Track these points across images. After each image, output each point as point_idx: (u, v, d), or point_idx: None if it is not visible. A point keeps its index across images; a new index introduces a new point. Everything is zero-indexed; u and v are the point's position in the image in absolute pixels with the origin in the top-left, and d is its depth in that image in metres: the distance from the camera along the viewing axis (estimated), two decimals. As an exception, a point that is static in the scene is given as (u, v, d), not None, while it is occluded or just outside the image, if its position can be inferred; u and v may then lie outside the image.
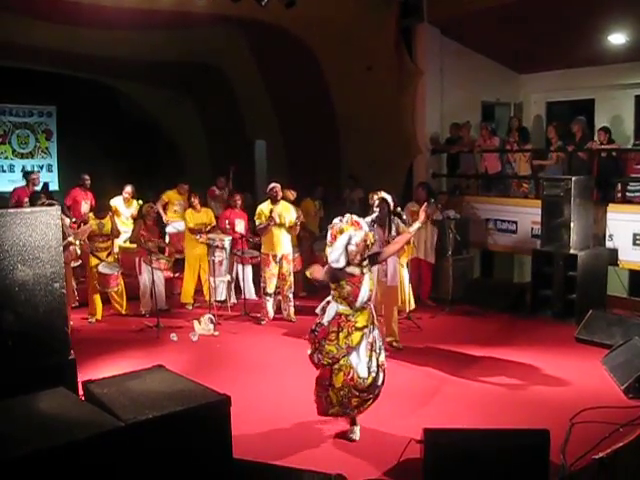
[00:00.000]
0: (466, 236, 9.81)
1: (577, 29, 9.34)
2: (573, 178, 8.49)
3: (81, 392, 4.52)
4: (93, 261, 8.74)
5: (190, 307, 9.45)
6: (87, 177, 10.48)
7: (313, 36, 10.81)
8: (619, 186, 9.40)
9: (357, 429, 5.18)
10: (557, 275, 8.53)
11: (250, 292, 9.49)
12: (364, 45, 10.61)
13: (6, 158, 15.30)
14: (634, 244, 8.56)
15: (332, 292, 5.09)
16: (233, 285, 9.63)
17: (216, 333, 8.09)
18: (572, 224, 8.45)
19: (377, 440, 5.07)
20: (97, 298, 8.85)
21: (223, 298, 9.37)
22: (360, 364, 4.98)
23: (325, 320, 5.05)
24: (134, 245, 9.13)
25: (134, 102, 15.92)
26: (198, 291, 9.64)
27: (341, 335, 4.98)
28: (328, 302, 5.14)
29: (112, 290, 8.83)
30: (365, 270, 5.04)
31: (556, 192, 8.65)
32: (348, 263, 4.99)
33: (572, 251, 8.44)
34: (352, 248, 4.95)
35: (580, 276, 8.33)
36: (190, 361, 7.03)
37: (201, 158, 15.42)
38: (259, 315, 8.78)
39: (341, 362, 4.98)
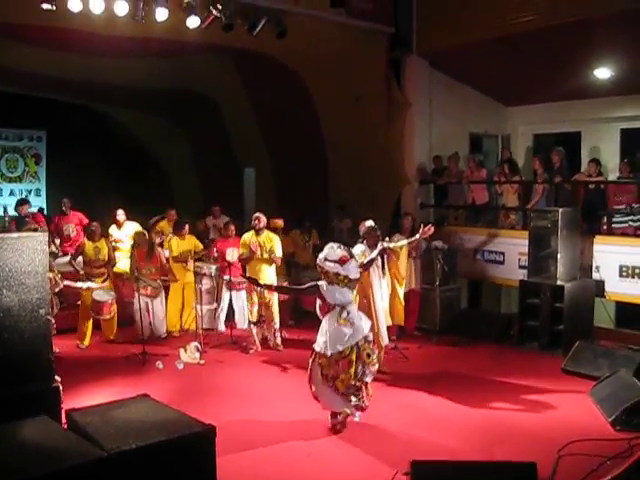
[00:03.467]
0: (453, 267, 9.82)
1: (564, 63, 9.50)
2: (560, 210, 8.56)
3: (64, 420, 4.47)
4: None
5: (176, 334, 9.37)
6: (66, 201, 10.46)
7: (303, 66, 10.91)
8: (605, 218, 9.50)
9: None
10: (544, 306, 8.54)
11: (240, 320, 9.40)
12: (354, 76, 10.71)
13: (-6, 182, 15.27)
14: (620, 276, 8.61)
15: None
16: (223, 313, 9.54)
17: (202, 362, 8.03)
18: (559, 255, 8.49)
19: (363, 472, 5.02)
20: (88, 324, 8.78)
21: (210, 326, 9.31)
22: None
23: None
24: (127, 270, 9.08)
25: (125, 129, 15.95)
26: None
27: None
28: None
29: (104, 317, 8.74)
30: None
31: (543, 224, 8.70)
32: None
33: (559, 282, 8.48)
34: None
35: (567, 307, 8.34)
36: (175, 390, 6.95)
37: (191, 185, 15.44)
38: (246, 344, 8.73)
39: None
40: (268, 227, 8.92)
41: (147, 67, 10.92)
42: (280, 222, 9.81)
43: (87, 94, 13.31)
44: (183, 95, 12.96)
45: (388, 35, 10.35)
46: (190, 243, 9.51)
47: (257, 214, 8.73)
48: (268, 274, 8.60)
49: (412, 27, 10.48)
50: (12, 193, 15.28)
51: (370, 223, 7.73)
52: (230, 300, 9.36)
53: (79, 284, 8.17)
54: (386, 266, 7.56)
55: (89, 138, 14.81)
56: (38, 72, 10.84)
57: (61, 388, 5.14)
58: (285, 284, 9.41)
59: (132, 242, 9.28)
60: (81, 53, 9.79)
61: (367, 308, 7.17)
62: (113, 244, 9.63)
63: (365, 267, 7.02)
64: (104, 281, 8.87)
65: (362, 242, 7.44)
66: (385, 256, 7.49)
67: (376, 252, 7.11)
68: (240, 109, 12.99)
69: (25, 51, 9.61)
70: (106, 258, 8.94)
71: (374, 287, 7.28)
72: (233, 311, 9.39)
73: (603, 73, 9.63)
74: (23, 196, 14.58)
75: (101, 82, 11.63)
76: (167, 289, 9.53)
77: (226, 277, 9.12)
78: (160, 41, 9.20)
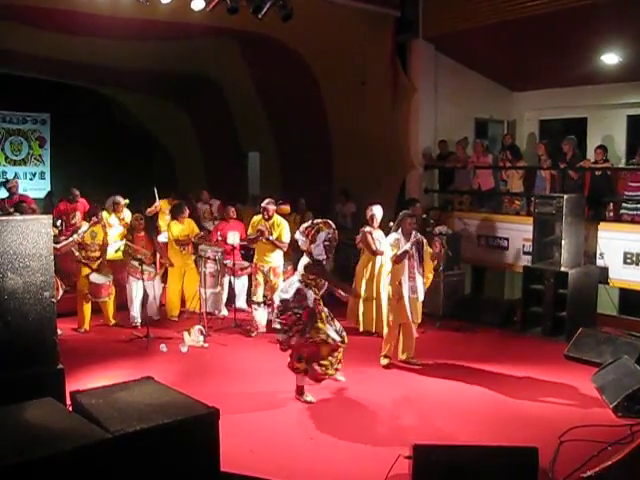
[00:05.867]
0: (457, 252, 9.81)
1: (571, 48, 9.43)
2: (565, 196, 8.53)
3: (69, 402, 4.50)
4: (84, 270, 8.71)
5: (176, 319, 9.38)
6: (77, 192, 10.45)
7: (309, 50, 10.86)
8: (610, 205, 9.46)
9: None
10: (547, 292, 8.54)
11: (242, 303, 9.49)
12: (359, 60, 10.68)
13: (-1, 165, 15.29)
14: (624, 263, 8.60)
15: (308, 280, 6.10)
16: (225, 297, 9.57)
17: (206, 345, 8.06)
18: (563, 242, 8.48)
19: (365, 455, 5.05)
20: (87, 308, 8.80)
21: (214, 310, 9.34)
22: (332, 332, 6.08)
23: (310, 303, 6.03)
24: (120, 256, 9.04)
25: (129, 112, 15.93)
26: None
27: (323, 315, 6.10)
28: (299, 289, 6.08)
29: (103, 300, 8.78)
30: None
31: (548, 210, 8.68)
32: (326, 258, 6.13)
33: (563, 269, 8.47)
34: (327, 243, 6.07)
35: (570, 294, 8.35)
36: (179, 372, 6.99)
37: (195, 169, 15.43)
38: (249, 327, 8.76)
39: (328, 335, 6.03)
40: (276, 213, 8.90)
41: (151, 50, 10.88)
42: (286, 208, 9.77)
43: (91, 77, 13.29)
44: (188, 78, 12.93)
45: (394, 19, 10.29)
46: (188, 227, 9.50)
47: (265, 205, 8.56)
48: (275, 258, 8.62)
49: (418, 11, 10.42)
50: (16, 176, 15.29)
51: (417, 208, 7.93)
52: (230, 283, 9.42)
53: (71, 238, 8.22)
54: (424, 257, 7.26)
55: (93, 121, 14.80)
56: (41, 55, 10.82)
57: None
58: (290, 268, 9.43)
59: (129, 226, 9.31)
60: (84, 35, 9.76)
61: (397, 300, 7.14)
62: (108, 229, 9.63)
63: (398, 259, 7.02)
64: (99, 265, 8.88)
65: (397, 230, 7.21)
66: (422, 246, 7.24)
67: (410, 244, 7.05)
68: (245, 92, 12.95)
69: (28, 33, 9.59)
70: (101, 242, 8.94)
71: (403, 279, 7.09)
72: (234, 294, 9.42)
73: (611, 59, 9.54)
74: (28, 179, 14.64)
75: (105, 65, 11.61)
76: (164, 274, 9.51)
77: (227, 262, 9.15)
78: (164, 24, 9.16)
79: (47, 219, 5.09)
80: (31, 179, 15.09)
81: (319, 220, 6.29)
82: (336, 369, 6.27)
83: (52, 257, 5.04)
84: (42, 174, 15.63)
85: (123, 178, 12.57)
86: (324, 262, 6.18)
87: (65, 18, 8.78)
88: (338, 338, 6.15)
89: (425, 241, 7.39)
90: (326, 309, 6.23)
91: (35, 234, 4.83)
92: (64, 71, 12.62)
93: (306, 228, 6.22)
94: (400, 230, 7.17)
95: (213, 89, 13.35)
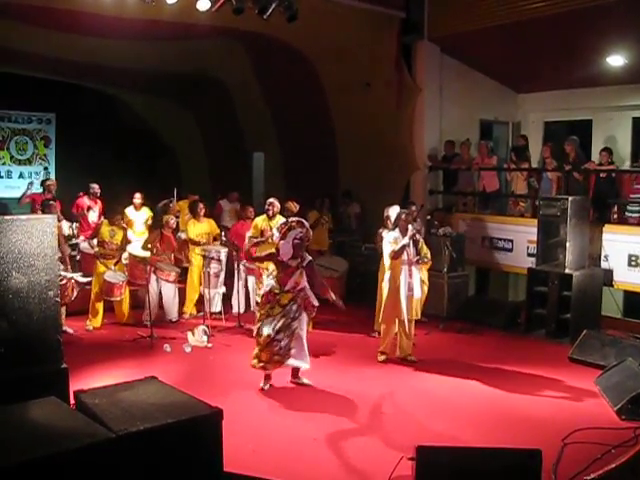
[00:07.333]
0: (462, 253, 9.80)
1: (576, 50, 9.42)
2: (570, 198, 8.52)
3: (73, 402, 4.50)
4: (100, 268, 8.75)
5: (187, 316, 9.41)
6: (96, 186, 10.47)
7: (314, 51, 10.86)
8: (615, 207, 9.45)
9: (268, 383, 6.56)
10: (552, 294, 8.53)
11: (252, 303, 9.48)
12: (364, 61, 10.67)
13: (4, 164, 15.29)
14: (629, 265, 8.58)
15: (272, 270, 6.53)
16: (241, 295, 9.53)
17: (209, 345, 8.06)
18: (568, 244, 8.47)
19: (368, 456, 5.04)
20: (99, 306, 8.84)
21: (218, 310, 9.34)
22: (267, 326, 6.33)
23: (262, 291, 6.56)
24: (144, 254, 8.87)
25: (134, 111, 15.95)
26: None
27: (268, 306, 6.40)
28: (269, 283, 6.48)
29: (115, 299, 8.79)
30: (299, 265, 6.37)
31: (552, 212, 8.67)
32: (292, 257, 6.31)
33: (567, 271, 8.45)
34: (297, 242, 6.30)
35: (575, 296, 8.33)
36: (183, 372, 7.00)
37: (200, 169, 15.44)
38: (253, 327, 8.74)
39: (259, 327, 6.42)
40: (282, 212, 8.91)
41: (157, 50, 10.89)
42: (293, 206, 9.74)
43: (96, 77, 13.30)
44: (193, 79, 12.93)
45: (399, 20, 10.28)
46: (208, 226, 9.53)
47: (271, 200, 8.74)
48: None
49: (423, 12, 10.41)
50: (22, 176, 15.33)
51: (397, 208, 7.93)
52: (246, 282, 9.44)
53: (63, 273, 8.08)
54: (422, 251, 7.43)
55: (98, 121, 14.82)
56: (47, 54, 10.83)
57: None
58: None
59: (157, 227, 9.33)
60: (90, 35, 9.76)
61: (395, 295, 7.23)
62: (124, 225, 9.62)
63: (397, 254, 7.15)
64: (115, 264, 8.92)
65: (394, 229, 7.45)
66: (418, 241, 7.41)
67: (407, 238, 7.20)
68: (250, 93, 12.95)
69: (33, 33, 9.60)
70: (119, 242, 8.96)
71: (401, 274, 7.28)
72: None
73: (616, 61, 9.53)
74: (32, 179, 14.64)
75: (110, 65, 11.62)
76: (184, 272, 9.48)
77: (243, 261, 9.11)
78: (170, 24, 9.17)
79: (51, 219, 5.10)
80: (37, 179, 15.06)
81: (294, 219, 6.65)
82: (262, 367, 6.46)
83: (57, 256, 5.05)
84: (47, 174, 15.63)
85: (128, 178, 12.57)
86: (289, 262, 6.34)
87: (70, 18, 8.79)
88: (263, 332, 6.36)
89: (422, 241, 7.51)
90: (293, 308, 6.36)
91: (40, 233, 4.84)
92: (69, 71, 12.63)
93: (281, 225, 6.65)
94: (398, 229, 7.40)
95: (218, 89, 13.35)
